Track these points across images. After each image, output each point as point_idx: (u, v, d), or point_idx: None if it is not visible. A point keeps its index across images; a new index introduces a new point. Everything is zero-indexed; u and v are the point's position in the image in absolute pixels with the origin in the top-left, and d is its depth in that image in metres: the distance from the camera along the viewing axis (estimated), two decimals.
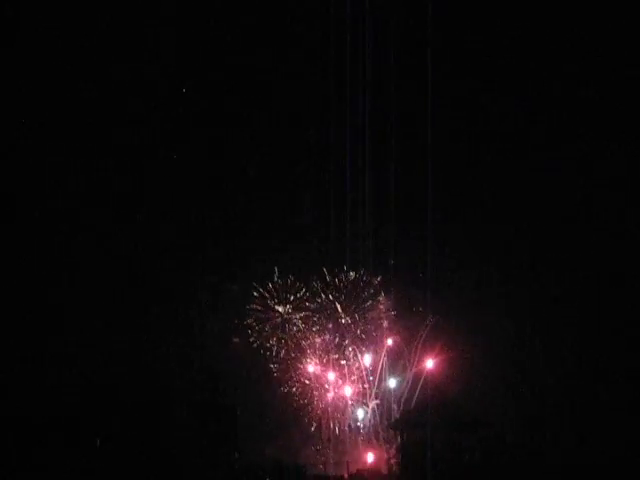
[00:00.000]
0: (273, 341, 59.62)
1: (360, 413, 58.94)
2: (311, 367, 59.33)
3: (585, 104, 55.73)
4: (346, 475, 57.08)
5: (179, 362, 58.42)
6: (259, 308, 60.01)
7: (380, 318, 59.28)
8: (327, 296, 59.54)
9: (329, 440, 58.86)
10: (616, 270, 54.85)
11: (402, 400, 58.67)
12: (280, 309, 60.17)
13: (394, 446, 57.76)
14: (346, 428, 58.73)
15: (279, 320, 59.72)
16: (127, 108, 59.13)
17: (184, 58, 59.85)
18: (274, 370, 59.45)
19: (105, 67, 59.03)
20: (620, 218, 55.09)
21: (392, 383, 58.94)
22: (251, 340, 59.49)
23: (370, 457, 58.14)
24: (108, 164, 59.19)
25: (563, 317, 55.33)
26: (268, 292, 60.28)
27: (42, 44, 58.69)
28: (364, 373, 58.96)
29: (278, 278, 59.94)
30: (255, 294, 60.01)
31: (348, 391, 58.96)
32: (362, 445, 58.79)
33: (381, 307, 59.38)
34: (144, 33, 59.26)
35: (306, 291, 59.73)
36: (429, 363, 57.93)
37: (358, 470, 57.18)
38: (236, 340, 59.91)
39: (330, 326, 59.46)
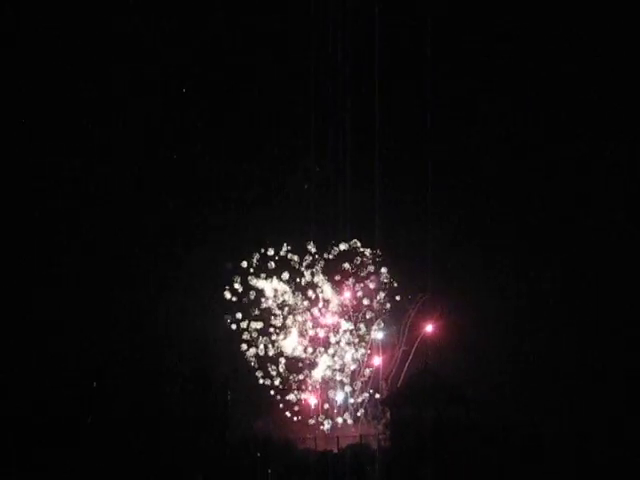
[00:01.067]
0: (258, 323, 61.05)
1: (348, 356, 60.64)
2: (300, 346, 60.86)
3: (584, 104, 57.07)
4: (336, 450, 58.62)
5: (169, 336, 59.27)
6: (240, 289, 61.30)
7: (371, 295, 60.84)
8: (317, 273, 61.09)
9: (318, 415, 60.56)
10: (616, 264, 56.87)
11: (390, 376, 60.52)
12: (268, 286, 61.37)
13: (383, 422, 59.66)
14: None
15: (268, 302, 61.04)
16: (126, 108, 59.22)
17: (183, 58, 60.04)
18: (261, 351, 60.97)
19: (105, 67, 58.87)
20: (620, 217, 56.89)
21: (379, 335, 60.74)
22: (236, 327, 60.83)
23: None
24: (107, 164, 59.44)
25: (561, 301, 57.33)
26: (255, 268, 61.50)
27: (42, 44, 58.23)
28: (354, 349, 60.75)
29: (266, 252, 61.15)
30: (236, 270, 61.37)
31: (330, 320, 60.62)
32: (351, 421, 60.64)
33: (372, 285, 60.92)
34: (144, 33, 59.19)
35: (297, 267, 61.11)
36: (423, 332, 59.79)
37: (348, 445, 58.83)
38: (227, 317, 61.05)
39: (320, 303, 60.84)
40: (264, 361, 61.03)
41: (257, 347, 60.95)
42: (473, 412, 56.90)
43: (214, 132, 59.86)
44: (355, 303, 61.04)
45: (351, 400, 60.63)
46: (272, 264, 61.22)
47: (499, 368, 57.54)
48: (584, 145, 56.73)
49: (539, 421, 55.19)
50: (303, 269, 61.24)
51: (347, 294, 60.96)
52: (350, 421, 60.62)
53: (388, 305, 60.93)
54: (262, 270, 61.47)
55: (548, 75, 57.33)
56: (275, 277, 61.36)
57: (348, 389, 60.56)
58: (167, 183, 59.74)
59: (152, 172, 59.50)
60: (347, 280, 61.14)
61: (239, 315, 61.17)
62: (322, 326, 60.87)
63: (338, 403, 60.55)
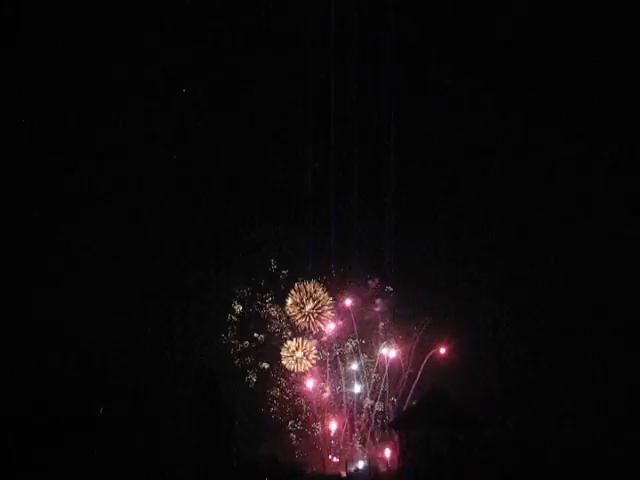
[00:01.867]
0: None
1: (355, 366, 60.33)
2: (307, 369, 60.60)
3: (584, 104, 57.67)
4: (344, 473, 58.16)
5: (176, 359, 59.07)
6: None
7: (376, 320, 60.76)
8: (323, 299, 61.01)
9: (325, 440, 60.08)
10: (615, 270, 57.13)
11: (397, 400, 60.26)
12: (273, 313, 61.26)
13: (390, 444, 59.29)
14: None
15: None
16: (127, 107, 59.54)
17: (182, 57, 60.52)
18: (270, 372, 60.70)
19: (105, 67, 59.24)
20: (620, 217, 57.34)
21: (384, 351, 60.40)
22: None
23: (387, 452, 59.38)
24: (107, 163, 59.58)
25: (562, 319, 57.59)
26: (260, 292, 61.46)
27: (42, 44, 58.58)
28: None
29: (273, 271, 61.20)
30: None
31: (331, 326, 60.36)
32: (358, 444, 60.17)
33: (377, 309, 60.85)
34: (143, 33, 59.75)
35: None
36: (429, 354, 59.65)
37: (356, 469, 58.40)
38: (234, 341, 60.89)
39: (327, 328, 60.65)
40: (269, 385, 60.59)
41: (262, 371, 60.60)
42: (483, 432, 56.67)
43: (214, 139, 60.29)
44: (361, 327, 60.84)
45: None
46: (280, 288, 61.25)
47: (505, 387, 57.54)
48: (584, 145, 57.17)
49: (548, 438, 55.18)
50: (309, 292, 61.13)
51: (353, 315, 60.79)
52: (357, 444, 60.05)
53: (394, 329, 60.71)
54: (268, 294, 61.40)
55: (547, 75, 57.94)
56: (279, 303, 61.35)
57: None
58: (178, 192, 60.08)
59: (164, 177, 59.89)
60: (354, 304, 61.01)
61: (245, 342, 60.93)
62: (328, 349, 60.58)
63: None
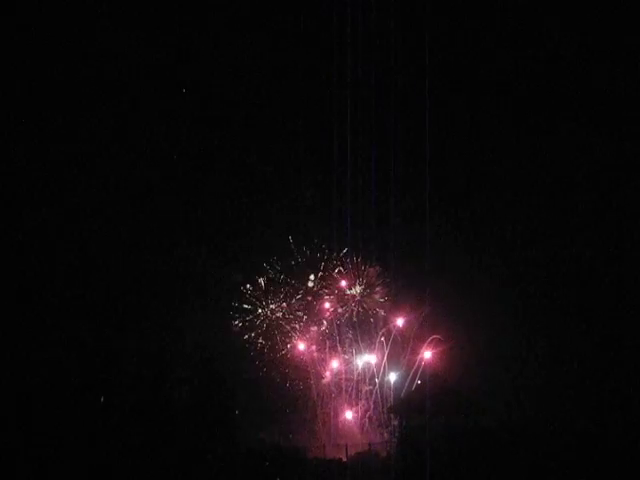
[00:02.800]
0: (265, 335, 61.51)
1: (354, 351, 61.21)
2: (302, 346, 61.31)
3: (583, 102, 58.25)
4: (345, 458, 58.94)
5: (178, 345, 59.62)
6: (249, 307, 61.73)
7: (376, 307, 61.42)
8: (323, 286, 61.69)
9: (324, 424, 60.84)
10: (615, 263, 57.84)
11: (395, 386, 61.03)
12: (272, 306, 61.91)
13: (389, 429, 60.07)
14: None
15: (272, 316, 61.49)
16: (126, 107, 59.88)
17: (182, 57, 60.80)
18: (270, 358, 61.33)
19: (105, 67, 59.47)
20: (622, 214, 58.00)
21: (371, 359, 61.17)
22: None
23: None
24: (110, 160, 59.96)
25: (562, 306, 58.25)
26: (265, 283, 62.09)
27: (42, 43, 58.64)
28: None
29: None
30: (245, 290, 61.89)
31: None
32: (358, 429, 60.97)
33: (377, 296, 61.50)
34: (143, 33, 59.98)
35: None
36: (426, 353, 60.28)
37: (357, 453, 59.15)
38: (236, 329, 61.44)
39: (327, 315, 61.33)
40: (272, 371, 61.28)
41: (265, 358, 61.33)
42: (482, 418, 57.54)
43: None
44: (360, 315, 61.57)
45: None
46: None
47: (504, 375, 58.29)
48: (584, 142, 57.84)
49: (546, 425, 55.96)
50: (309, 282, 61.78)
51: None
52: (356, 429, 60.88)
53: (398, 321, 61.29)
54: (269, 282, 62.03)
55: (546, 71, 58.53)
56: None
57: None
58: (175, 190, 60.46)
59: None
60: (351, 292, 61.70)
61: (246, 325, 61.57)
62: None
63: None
